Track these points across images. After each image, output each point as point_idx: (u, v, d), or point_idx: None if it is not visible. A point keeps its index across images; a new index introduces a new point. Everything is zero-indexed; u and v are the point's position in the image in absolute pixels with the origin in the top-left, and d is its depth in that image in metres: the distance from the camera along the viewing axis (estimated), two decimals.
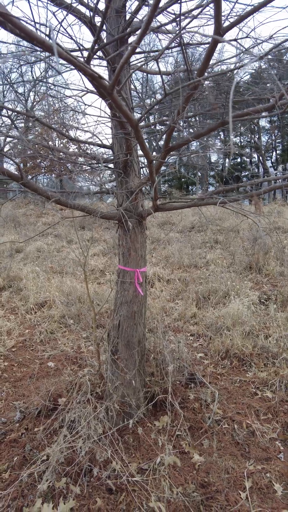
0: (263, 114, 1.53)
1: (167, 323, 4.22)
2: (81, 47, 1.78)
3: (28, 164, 17.32)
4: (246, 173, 28.38)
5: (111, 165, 2.49)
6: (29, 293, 5.39)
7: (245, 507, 1.81)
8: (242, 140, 29.51)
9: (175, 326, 4.23)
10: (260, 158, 28.14)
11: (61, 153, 3.03)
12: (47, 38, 1.20)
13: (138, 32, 1.06)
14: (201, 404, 2.63)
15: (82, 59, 1.23)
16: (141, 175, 2.43)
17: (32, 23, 1.67)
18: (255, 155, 28.68)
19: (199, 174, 25.76)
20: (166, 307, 4.78)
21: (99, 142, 2.42)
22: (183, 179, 26.67)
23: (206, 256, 7.35)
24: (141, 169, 2.52)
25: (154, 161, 1.49)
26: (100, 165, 2.27)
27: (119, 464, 2.04)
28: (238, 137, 28.14)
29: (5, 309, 5.10)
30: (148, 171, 1.81)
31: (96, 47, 1.41)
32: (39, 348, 3.82)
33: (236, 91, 2.60)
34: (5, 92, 21.44)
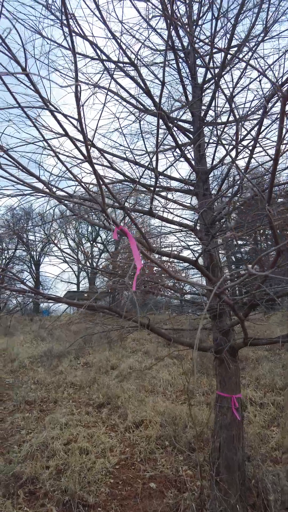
0: None
1: (264, 451, 4.17)
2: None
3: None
4: None
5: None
6: (126, 411, 5.86)
7: None
8: None
9: (273, 456, 4.13)
10: None
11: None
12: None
13: None
14: None
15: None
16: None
17: None
18: None
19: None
20: (261, 434, 4.71)
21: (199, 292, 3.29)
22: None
23: None
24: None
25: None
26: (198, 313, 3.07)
27: None
28: None
29: (106, 425, 5.58)
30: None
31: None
32: (141, 467, 4.10)
33: None
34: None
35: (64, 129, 1.26)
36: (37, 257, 31.46)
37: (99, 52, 2.90)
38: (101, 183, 1.26)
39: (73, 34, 3.01)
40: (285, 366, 7.99)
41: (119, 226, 1.23)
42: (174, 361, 9.86)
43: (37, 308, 28.57)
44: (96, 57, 2.96)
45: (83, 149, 1.43)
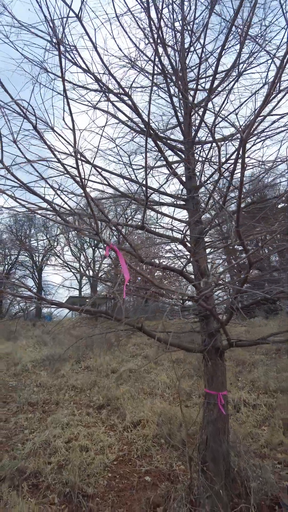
0: None
1: (254, 448, 4.42)
2: None
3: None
4: None
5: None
6: (125, 411, 6.12)
7: None
8: None
9: (261, 452, 4.38)
10: None
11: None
12: None
13: None
14: None
15: None
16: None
17: None
18: None
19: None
20: (252, 433, 4.96)
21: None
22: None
23: None
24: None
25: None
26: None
27: None
28: None
29: (105, 425, 5.84)
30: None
31: None
32: (137, 463, 4.36)
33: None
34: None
35: (67, 170, 1.58)
36: (40, 263, 31.88)
37: (101, 84, 3.25)
38: (93, 210, 1.57)
39: (75, 66, 3.36)
40: (278, 369, 8.23)
41: (110, 245, 1.54)
42: (174, 365, 10.10)
43: (39, 314, 28.88)
44: (98, 88, 3.30)
45: (85, 168, 1.76)
